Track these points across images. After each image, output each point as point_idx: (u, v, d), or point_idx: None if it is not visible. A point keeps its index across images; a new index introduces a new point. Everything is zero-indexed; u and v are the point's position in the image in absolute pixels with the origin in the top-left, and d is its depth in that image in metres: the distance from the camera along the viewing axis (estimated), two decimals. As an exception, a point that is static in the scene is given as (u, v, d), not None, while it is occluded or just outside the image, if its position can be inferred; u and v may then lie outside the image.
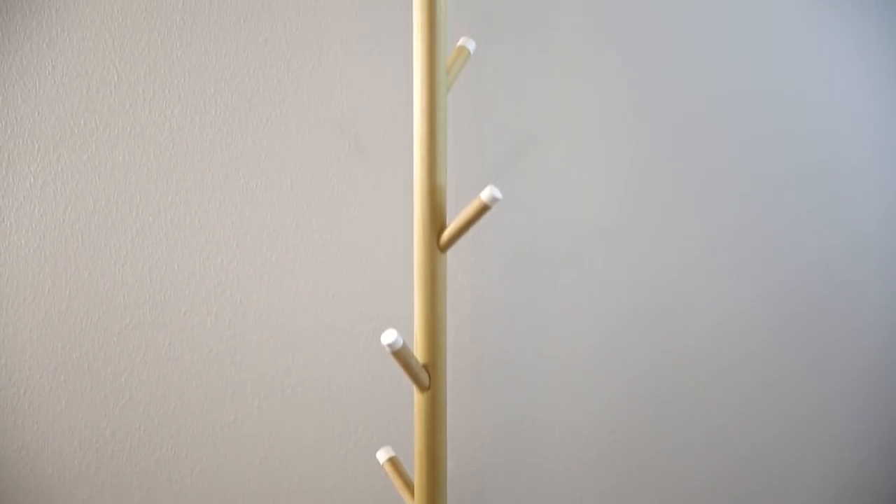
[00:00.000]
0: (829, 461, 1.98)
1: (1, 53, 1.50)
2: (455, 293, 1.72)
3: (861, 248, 1.94)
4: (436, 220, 1.31)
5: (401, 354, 1.25)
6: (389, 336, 1.20)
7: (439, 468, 1.36)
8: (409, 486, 1.43)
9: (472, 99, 1.68)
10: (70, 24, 1.51)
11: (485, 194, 1.20)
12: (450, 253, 1.70)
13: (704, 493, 1.91)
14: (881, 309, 1.96)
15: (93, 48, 1.53)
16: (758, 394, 1.91)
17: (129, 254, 1.59)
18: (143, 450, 1.64)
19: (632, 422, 1.85)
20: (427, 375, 1.34)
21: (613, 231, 1.79)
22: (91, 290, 1.58)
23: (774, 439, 1.94)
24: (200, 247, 1.61)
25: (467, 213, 1.25)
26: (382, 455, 1.48)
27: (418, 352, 1.35)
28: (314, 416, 1.70)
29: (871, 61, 1.88)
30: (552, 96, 1.71)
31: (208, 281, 1.62)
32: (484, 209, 1.23)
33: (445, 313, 1.34)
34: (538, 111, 1.71)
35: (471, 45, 1.41)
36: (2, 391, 1.57)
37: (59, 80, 1.52)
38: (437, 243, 1.31)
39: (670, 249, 1.82)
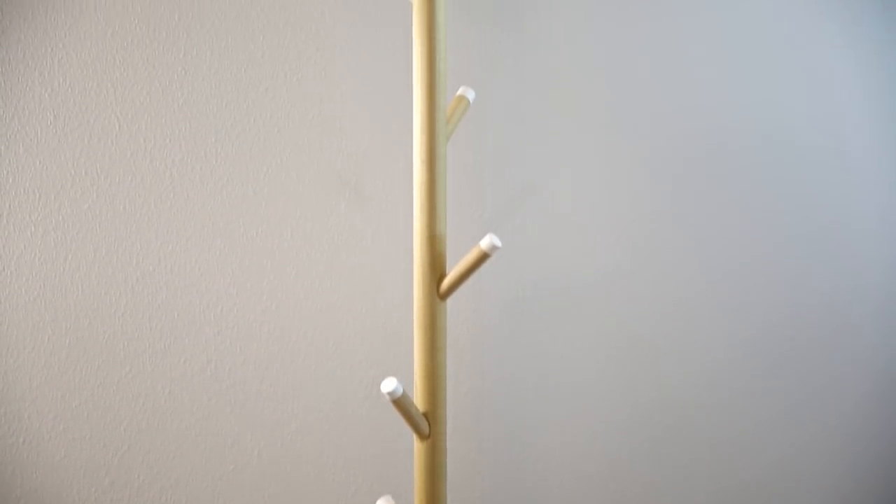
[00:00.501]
0: (827, 494, 1.97)
1: (3, 103, 1.51)
2: (455, 341, 1.72)
3: (861, 292, 1.94)
4: (435, 268, 1.32)
5: (401, 403, 1.24)
6: (389, 384, 1.20)
7: (439, 517, 1.36)
8: (409, 535, 1.42)
9: (471, 147, 1.68)
10: (72, 73, 1.52)
11: (484, 243, 1.21)
12: (450, 300, 1.70)
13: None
14: (877, 350, 1.96)
15: (95, 98, 1.54)
16: (754, 433, 1.90)
17: (129, 302, 1.59)
18: (142, 499, 1.63)
19: (633, 470, 1.85)
20: (427, 424, 1.33)
21: (612, 277, 1.79)
22: (91, 339, 1.58)
23: (772, 473, 1.93)
24: (200, 295, 1.61)
25: (467, 261, 1.25)
26: (383, 504, 1.47)
27: (418, 400, 1.34)
28: (314, 465, 1.69)
29: (877, 114, 1.89)
30: (551, 144, 1.72)
31: (208, 329, 1.62)
32: (484, 257, 1.23)
33: (445, 361, 1.34)
34: (537, 159, 1.72)
35: (470, 95, 1.42)
36: (1, 440, 1.57)
37: (61, 129, 1.53)
38: (437, 291, 1.32)
39: (669, 293, 1.82)
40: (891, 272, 1.96)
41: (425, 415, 1.34)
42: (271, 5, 1.58)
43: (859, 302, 1.94)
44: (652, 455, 1.85)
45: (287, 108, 1.61)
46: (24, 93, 1.51)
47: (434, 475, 1.35)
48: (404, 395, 1.24)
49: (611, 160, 1.76)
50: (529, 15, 1.68)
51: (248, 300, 1.63)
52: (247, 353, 1.64)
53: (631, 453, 1.84)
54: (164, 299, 1.60)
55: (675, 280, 1.82)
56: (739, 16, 1.79)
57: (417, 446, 1.35)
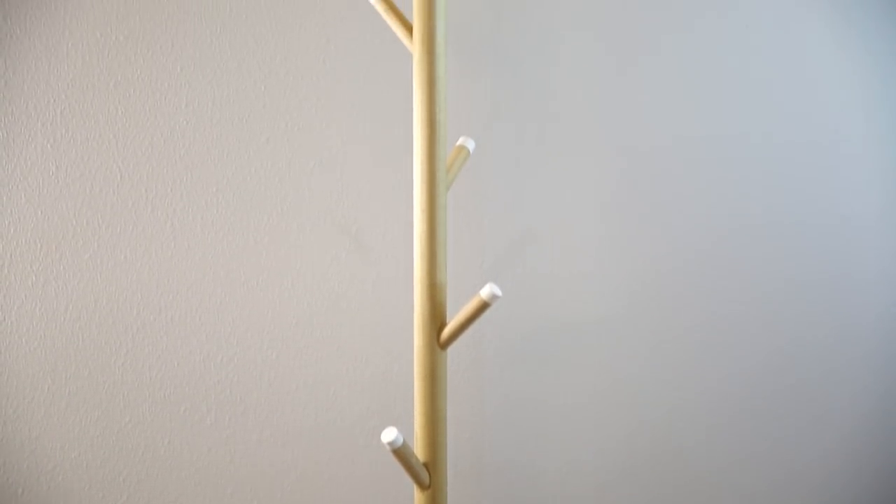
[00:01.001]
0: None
1: (6, 153, 1.51)
2: (455, 389, 1.71)
3: (854, 338, 1.94)
4: (436, 317, 1.32)
5: (401, 453, 1.24)
6: (389, 434, 1.20)
7: (440, 569, 1.35)
8: (409, 587, 1.41)
9: (471, 196, 1.69)
10: (74, 124, 1.53)
11: (485, 292, 1.21)
12: (450, 349, 1.69)
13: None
14: (871, 399, 1.96)
15: (97, 148, 1.54)
16: (754, 485, 1.90)
17: (129, 352, 1.59)
18: (141, 551, 1.62)
19: (635, 519, 1.84)
20: (427, 474, 1.33)
21: (611, 325, 1.79)
22: (90, 389, 1.58)
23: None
24: (200, 344, 1.61)
25: (467, 310, 1.25)
26: (383, 555, 1.47)
27: (418, 450, 1.34)
28: (314, 516, 1.68)
29: (877, 166, 1.90)
30: (550, 193, 1.73)
31: (208, 379, 1.62)
32: (484, 307, 1.23)
33: (446, 410, 1.34)
34: (536, 208, 1.73)
35: (470, 145, 1.43)
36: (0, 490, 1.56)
37: (63, 179, 1.54)
38: (438, 341, 1.32)
39: (667, 342, 1.82)
40: (885, 321, 1.96)
41: (426, 465, 1.33)
42: (272, 56, 1.59)
43: (854, 344, 1.94)
44: (652, 503, 1.85)
45: (288, 158, 1.61)
46: (27, 143, 1.52)
47: (434, 525, 1.34)
48: (404, 446, 1.23)
49: (609, 208, 1.76)
50: (528, 65, 1.70)
51: (248, 350, 1.63)
52: (247, 403, 1.64)
53: (631, 501, 1.83)
54: (164, 348, 1.60)
55: (674, 328, 1.82)
56: (741, 62, 1.81)
57: (418, 496, 1.35)
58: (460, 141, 1.43)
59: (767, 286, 1.87)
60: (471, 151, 1.43)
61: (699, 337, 1.84)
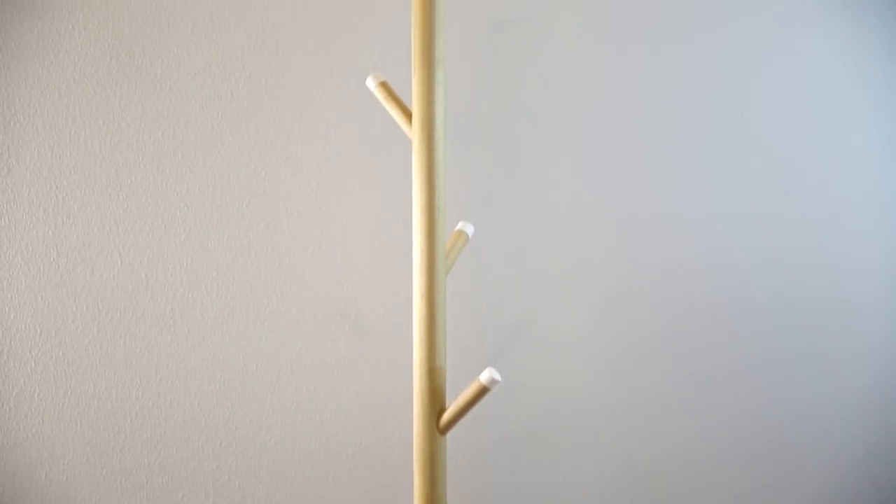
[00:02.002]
0: None
1: (8, 240, 1.52)
2: (455, 475, 1.70)
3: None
4: (435, 401, 1.31)
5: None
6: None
7: None
8: None
9: (471, 280, 1.69)
10: (76, 210, 1.54)
11: (484, 377, 1.21)
12: (450, 434, 1.69)
13: None
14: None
15: (97, 234, 1.55)
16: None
17: (127, 438, 1.58)
18: None
19: None
20: (427, 562, 1.31)
21: (610, 410, 1.78)
22: (90, 476, 1.57)
23: None
24: (199, 430, 1.60)
25: (467, 395, 1.25)
26: None
27: (418, 537, 1.32)
28: None
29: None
30: (549, 276, 1.73)
31: (207, 464, 1.61)
32: (483, 391, 1.23)
33: (446, 496, 1.33)
34: (536, 291, 1.73)
35: (469, 230, 1.43)
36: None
37: (63, 265, 1.54)
38: (437, 426, 1.31)
39: (669, 424, 1.81)
40: (868, 390, 1.95)
41: (426, 552, 1.32)
42: (273, 141, 1.61)
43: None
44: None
45: (288, 242, 1.62)
46: (28, 229, 1.52)
47: None
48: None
49: (608, 294, 1.77)
50: (526, 149, 1.71)
51: (247, 435, 1.62)
52: (245, 490, 1.62)
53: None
54: (163, 434, 1.59)
55: (675, 412, 1.81)
56: (738, 141, 1.82)
57: (418, 585, 1.33)
58: (459, 226, 1.43)
59: (772, 373, 1.86)
60: (470, 236, 1.44)
61: (702, 419, 1.83)
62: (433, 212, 1.28)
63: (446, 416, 1.29)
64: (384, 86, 1.37)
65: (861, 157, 1.90)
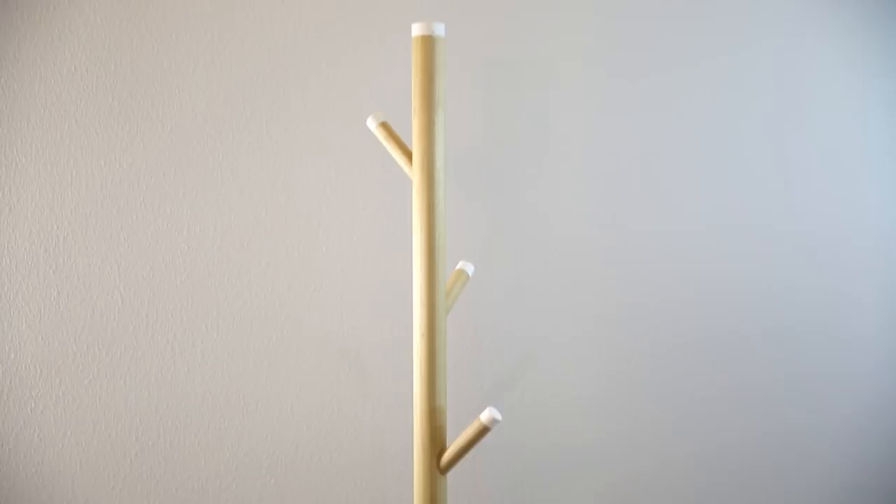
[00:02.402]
0: None
1: (9, 280, 1.52)
2: (456, 515, 1.70)
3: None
4: (435, 441, 1.31)
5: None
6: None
7: None
8: None
9: (471, 320, 1.70)
10: (76, 250, 1.55)
11: (485, 416, 1.21)
12: (450, 474, 1.68)
13: None
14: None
15: (98, 273, 1.56)
16: None
17: (126, 478, 1.57)
18: None
19: None
20: None
21: (614, 446, 1.78)
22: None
23: None
24: (199, 470, 1.60)
25: (467, 434, 1.25)
26: None
27: (420, 578, 1.32)
28: None
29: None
30: (550, 315, 1.73)
31: (208, 501, 1.61)
32: (484, 431, 1.22)
33: (446, 537, 1.32)
34: (536, 330, 1.73)
35: (469, 269, 1.43)
36: None
37: (64, 305, 1.54)
38: (437, 465, 1.31)
39: (670, 463, 1.81)
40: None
41: (426, 593, 1.31)
42: (273, 181, 1.61)
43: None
44: None
45: (288, 282, 1.62)
46: (29, 269, 1.53)
47: None
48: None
49: (608, 332, 1.77)
50: (526, 189, 1.71)
51: (247, 476, 1.62)
52: (245, 530, 1.62)
53: None
54: (162, 475, 1.59)
55: (676, 452, 1.81)
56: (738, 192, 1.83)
57: None
58: (459, 265, 1.44)
59: (763, 397, 1.86)
60: (470, 275, 1.44)
61: (703, 455, 1.82)
62: (433, 251, 1.29)
63: (447, 456, 1.29)
64: (384, 126, 1.38)
65: (863, 201, 1.90)
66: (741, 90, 1.81)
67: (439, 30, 1.28)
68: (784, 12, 1.83)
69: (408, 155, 1.34)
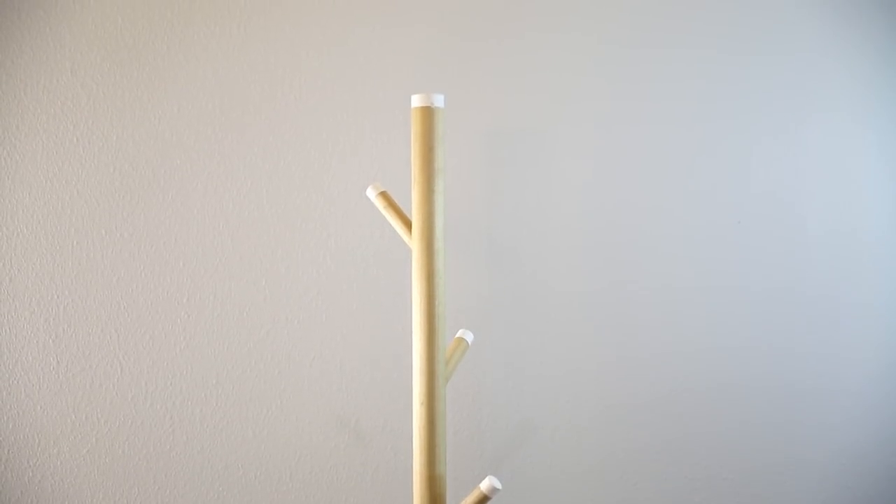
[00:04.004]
0: None
1: (8, 350, 1.52)
2: (456, 585, 1.68)
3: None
4: (435, 510, 1.30)
5: None
6: None
7: None
8: None
9: (470, 388, 1.69)
10: (76, 319, 1.55)
11: (484, 485, 1.20)
12: (450, 543, 1.67)
13: None
14: None
15: (98, 343, 1.56)
16: None
17: (124, 549, 1.57)
18: None
19: None
20: None
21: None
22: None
23: None
24: (197, 540, 1.60)
25: (467, 503, 1.24)
26: None
27: None
28: None
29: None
30: (550, 384, 1.73)
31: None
32: (484, 500, 1.22)
33: None
34: (536, 398, 1.73)
35: (469, 337, 1.44)
36: None
37: (63, 373, 1.54)
38: (438, 535, 1.30)
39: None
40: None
41: None
42: (273, 250, 1.62)
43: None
44: None
45: (287, 350, 1.62)
46: (29, 338, 1.53)
47: None
48: None
49: (608, 400, 1.76)
50: (524, 256, 1.72)
51: (245, 545, 1.61)
52: None
53: None
54: (160, 545, 1.58)
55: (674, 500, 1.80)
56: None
57: None
58: (459, 333, 1.44)
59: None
60: (470, 343, 1.44)
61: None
62: (433, 319, 1.29)
63: (447, 527, 1.28)
64: (384, 195, 1.39)
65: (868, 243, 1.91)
66: (741, 148, 1.82)
67: (438, 101, 1.29)
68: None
69: (407, 224, 1.34)
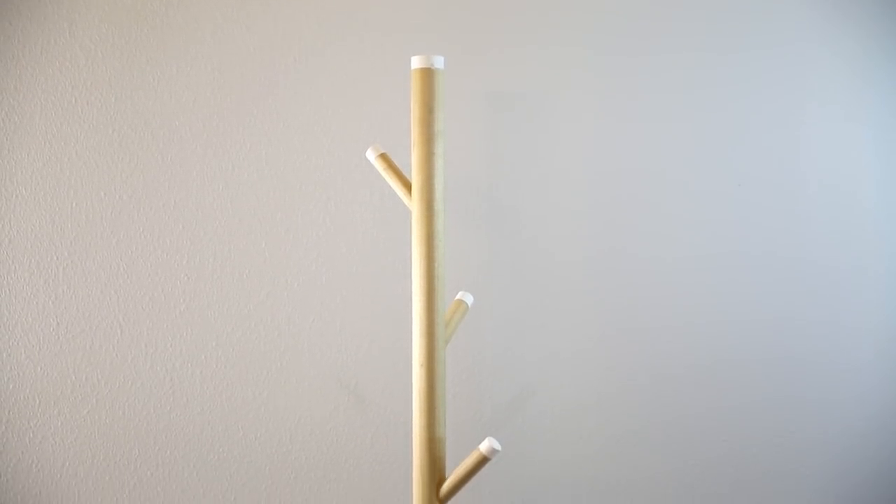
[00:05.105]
0: None
1: (8, 311, 1.52)
2: (455, 546, 1.69)
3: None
4: (434, 471, 1.30)
5: None
6: None
7: None
8: None
9: (470, 351, 1.69)
10: (76, 281, 1.55)
11: (484, 446, 1.20)
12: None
13: None
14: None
15: (97, 304, 1.56)
16: None
17: (125, 509, 1.58)
18: None
19: None
20: None
21: (612, 476, 1.77)
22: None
23: None
24: (198, 497, 1.60)
25: (466, 465, 1.24)
26: None
27: None
28: None
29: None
30: (549, 345, 1.73)
31: (204, 536, 1.61)
32: (483, 461, 1.22)
33: (445, 569, 1.32)
34: (536, 360, 1.73)
35: (469, 299, 1.44)
36: None
37: (63, 335, 1.54)
38: (437, 495, 1.30)
39: (666, 493, 1.80)
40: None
41: None
42: (273, 212, 1.62)
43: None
44: None
45: (287, 312, 1.62)
46: (29, 300, 1.53)
47: None
48: None
49: (607, 362, 1.76)
50: (525, 219, 1.72)
51: (245, 503, 1.62)
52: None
53: None
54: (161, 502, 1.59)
55: (678, 482, 1.80)
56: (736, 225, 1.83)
57: None
58: (459, 295, 1.44)
59: (764, 430, 1.85)
60: (469, 305, 1.44)
61: (705, 489, 1.81)
62: (433, 281, 1.29)
63: (446, 486, 1.29)
64: (384, 157, 1.39)
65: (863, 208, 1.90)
66: (742, 111, 1.81)
67: (438, 63, 1.28)
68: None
69: (407, 186, 1.34)
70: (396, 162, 1.41)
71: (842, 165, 1.83)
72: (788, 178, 1.81)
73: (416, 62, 1.28)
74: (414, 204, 1.30)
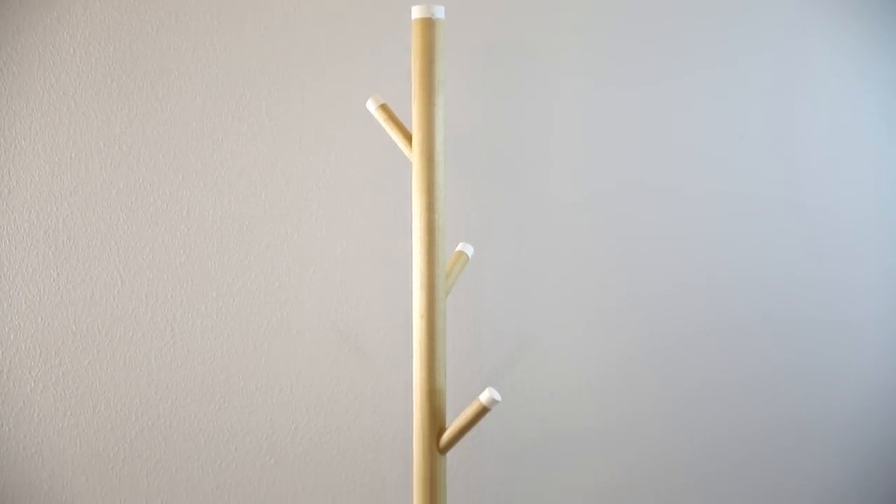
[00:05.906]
0: None
1: (8, 260, 1.52)
2: (455, 495, 1.70)
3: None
4: (435, 422, 1.31)
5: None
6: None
7: None
8: None
9: (470, 302, 1.70)
10: (76, 231, 1.55)
11: (484, 397, 1.21)
12: (449, 454, 1.68)
13: None
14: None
15: (97, 255, 1.56)
16: None
17: (125, 459, 1.58)
18: None
19: None
20: (426, 582, 1.31)
21: (613, 429, 1.78)
22: (88, 496, 1.57)
23: None
24: (199, 450, 1.61)
25: (466, 415, 1.25)
26: None
27: (419, 558, 1.32)
28: None
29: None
30: (550, 298, 1.74)
31: (206, 484, 1.61)
32: (483, 411, 1.23)
33: (445, 517, 1.33)
34: (536, 312, 1.73)
35: (469, 250, 1.44)
36: None
37: (64, 286, 1.54)
38: (437, 445, 1.31)
39: (669, 447, 1.81)
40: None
41: (425, 573, 1.32)
42: (273, 163, 1.61)
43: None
44: None
45: (288, 264, 1.62)
46: (28, 250, 1.53)
47: None
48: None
49: (608, 313, 1.77)
50: (526, 171, 1.71)
51: (246, 454, 1.62)
52: (244, 510, 1.63)
53: None
54: (161, 454, 1.59)
55: (672, 431, 1.81)
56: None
57: None
58: (459, 247, 1.44)
59: (764, 381, 1.86)
60: (470, 257, 1.44)
61: (702, 436, 1.83)
62: (433, 232, 1.29)
63: (446, 436, 1.30)
64: (384, 108, 1.38)
65: (864, 179, 1.90)
66: (746, 72, 1.80)
67: (439, 12, 1.27)
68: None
69: (407, 137, 1.34)
70: (397, 112, 1.40)
71: (843, 115, 1.82)
72: (789, 129, 1.81)
73: (417, 12, 1.27)
74: (414, 155, 1.30)
